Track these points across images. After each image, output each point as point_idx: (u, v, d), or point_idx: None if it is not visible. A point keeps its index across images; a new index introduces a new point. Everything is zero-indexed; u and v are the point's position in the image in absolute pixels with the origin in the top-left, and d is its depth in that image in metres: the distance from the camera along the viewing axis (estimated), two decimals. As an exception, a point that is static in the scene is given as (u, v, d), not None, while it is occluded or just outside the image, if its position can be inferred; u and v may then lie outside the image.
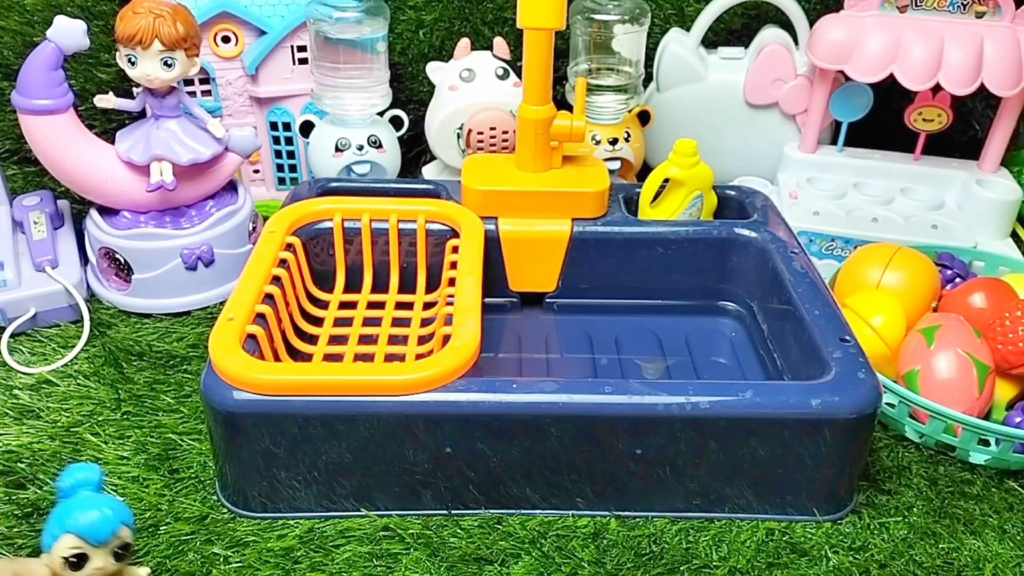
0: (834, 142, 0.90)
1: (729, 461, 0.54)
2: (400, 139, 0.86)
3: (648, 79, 0.94)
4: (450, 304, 0.61)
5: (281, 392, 0.51)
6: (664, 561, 0.53)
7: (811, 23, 0.86)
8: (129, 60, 0.70)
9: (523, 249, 0.70)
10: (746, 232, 0.70)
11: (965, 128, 0.96)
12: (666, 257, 0.71)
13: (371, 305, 0.70)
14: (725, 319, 0.73)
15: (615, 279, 0.72)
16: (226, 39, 0.84)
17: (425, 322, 0.68)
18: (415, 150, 0.96)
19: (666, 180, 0.73)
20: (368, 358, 0.63)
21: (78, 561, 0.43)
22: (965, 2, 0.80)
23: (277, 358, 0.59)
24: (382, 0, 0.82)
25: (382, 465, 0.53)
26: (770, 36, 0.89)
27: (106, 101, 0.73)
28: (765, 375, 0.66)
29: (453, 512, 0.55)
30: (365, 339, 0.65)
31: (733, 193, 0.77)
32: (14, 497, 0.56)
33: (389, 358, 0.63)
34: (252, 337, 0.56)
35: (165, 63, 0.69)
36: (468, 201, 0.71)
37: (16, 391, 0.65)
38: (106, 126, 0.87)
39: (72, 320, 0.74)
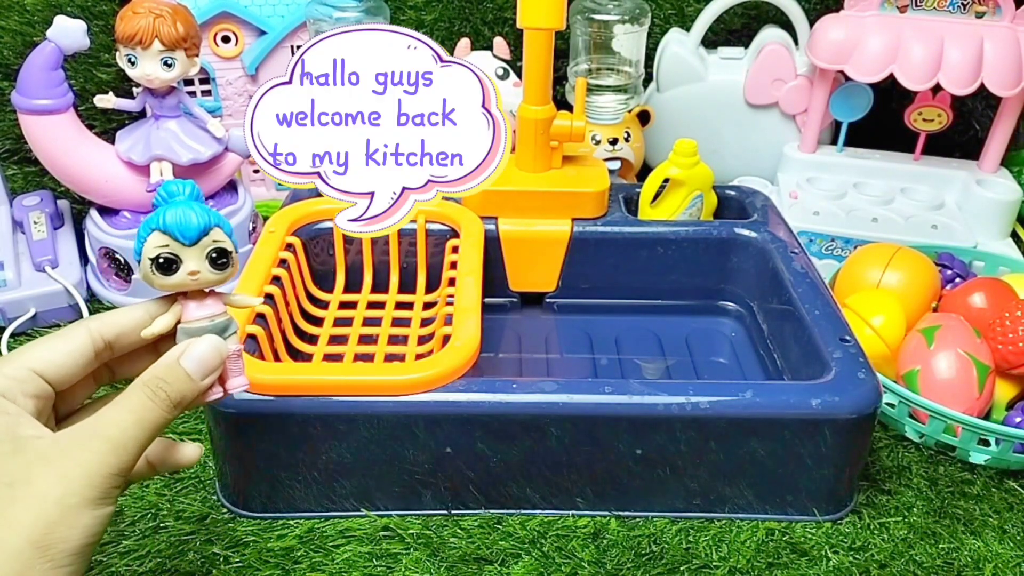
0: (834, 142, 0.90)
1: (729, 461, 0.54)
2: (400, 139, 0.86)
3: (648, 79, 0.94)
4: (450, 304, 0.61)
5: (281, 392, 0.51)
6: (664, 561, 0.53)
7: (811, 23, 0.86)
8: (129, 60, 0.70)
9: (523, 249, 0.70)
10: (746, 232, 0.70)
11: (965, 128, 0.96)
12: (666, 257, 0.71)
13: (371, 305, 0.70)
14: (725, 319, 0.73)
15: (615, 279, 0.72)
16: (226, 39, 0.84)
17: (425, 322, 0.68)
18: (415, 150, 0.96)
19: (666, 180, 0.73)
20: (368, 358, 0.63)
21: (166, 263, 0.37)
22: (965, 2, 0.80)
23: (277, 358, 0.59)
24: (382, 0, 0.82)
25: (382, 465, 0.53)
26: (770, 36, 0.89)
27: (106, 101, 0.73)
28: (765, 375, 0.66)
29: (453, 512, 0.55)
30: (365, 339, 0.65)
31: (733, 193, 0.77)
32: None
33: (389, 358, 0.63)
34: (252, 337, 0.56)
35: (165, 63, 0.69)
36: (468, 201, 0.71)
37: (16, 391, 0.65)
38: (106, 126, 0.87)
39: (72, 320, 0.74)
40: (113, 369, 0.41)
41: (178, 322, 0.39)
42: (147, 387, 0.36)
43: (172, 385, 0.37)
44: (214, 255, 0.38)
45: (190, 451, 0.41)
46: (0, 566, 0.32)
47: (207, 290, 0.39)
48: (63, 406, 0.39)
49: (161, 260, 0.37)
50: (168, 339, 0.39)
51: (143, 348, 0.40)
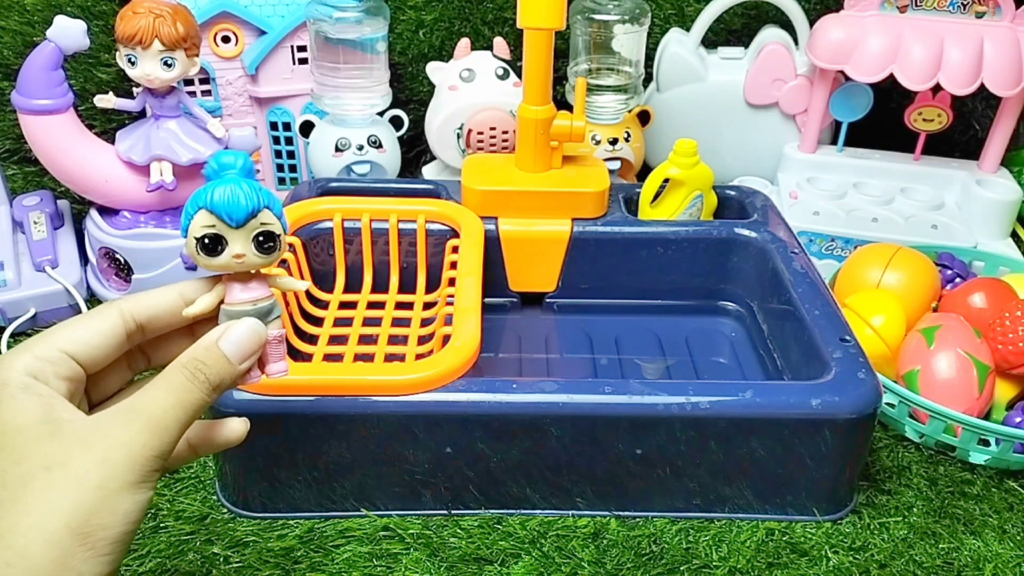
0: (834, 142, 0.90)
1: (729, 461, 0.54)
2: (400, 139, 0.86)
3: (648, 79, 0.94)
4: (450, 304, 0.61)
5: (281, 392, 0.51)
6: (664, 561, 0.53)
7: (811, 23, 0.86)
8: (129, 60, 0.70)
9: (523, 249, 0.70)
10: (746, 232, 0.70)
11: (965, 128, 0.96)
12: (666, 257, 0.71)
13: (371, 305, 0.70)
14: (725, 319, 0.73)
15: (615, 279, 0.72)
16: (226, 39, 0.84)
17: (425, 322, 0.68)
18: (415, 150, 0.96)
19: (666, 180, 0.73)
20: (368, 358, 0.63)
21: (211, 243, 0.36)
22: (965, 2, 0.80)
23: (277, 358, 0.59)
24: (382, 0, 0.82)
25: (382, 465, 0.53)
26: (770, 36, 0.89)
27: (106, 101, 0.73)
28: (765, 375, 0.66)
29: (453, 512, 0.55)
30: (365, 339, 0.65)
31: (733, 193, 0.77)
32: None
33: (389, 358, 0.63)
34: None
35: (165, 63, 0.69)
36: (468, 201, 0.71)
37: (16, 391, 0.65)
38: (106, 126, 0.87)
39: (72, 320, 0.74)
40: (148, 355, 0.40)
41: (221, 302, 0.38)
42: (186, 368, 0.35)
43: (211, 367, 0.36)
44: (261, 238, 0.36)
45: (235, 426, 0.40)
46: (39, 553, 0.31)
47: (252, 271, 0.38)
48: (95, 392, 0.38)
49: (206, 241, 0.36)
50: (207, 322, 0.38)
51: (178, 332, 0.39)
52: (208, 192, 0.35)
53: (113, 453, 0.33)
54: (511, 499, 0.55)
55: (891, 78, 0.81)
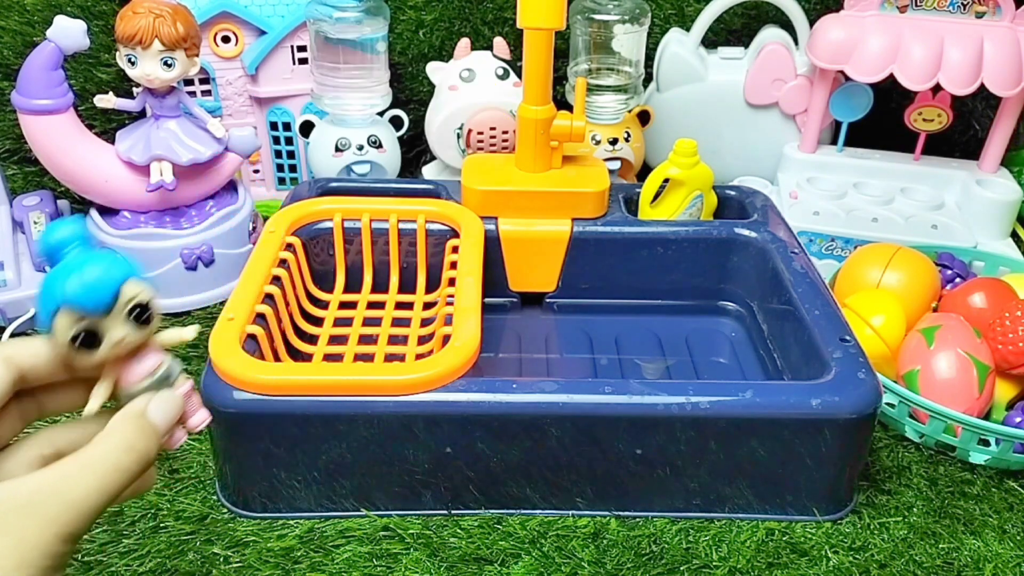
0: (834, 142, 0.90)
1: (729, 461, 0.54)
2: (400, 139, 0.86)
3: (648, 79, 0.94)
4: (450, 304, 0.61)
5: (281, 392, 0.51)
6: (664, 561, 0.53)
7: (811, 23, 0.86)
8: (129, 60, 0.70)
9: (523, 249, 0.70)
10: (746, 232, 0.70)
11: (965, 128, 0.96)
12: (666, 257, 0.71)
13: (371, 305, 0.70)
14: (725, 319, 0.73)
15: (615, 279, 0.72)
16: (226, 39, 0.84)
17: (425, 322, 0.68)
18: (415, 150, 0.96)
19: (666, 180, 0.73)
20: (368, 358, 0.63)
21: (88, 339, 0.33)
22: (965, 2, 0.80)
23: (277, 358, 0.59)
24: (382, 0, 0.82)
25: (382, 465, 0.53)
26: (770, 36, 0.89)
27: (106, 101, 0.73)
28: (765, 375, 0.66)
29: (453, 512, 0.55)
30: (365, 339, 0.65)
31: (733, 193, 0.77)
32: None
33: (389, 358, 0.63)
34: (252, 337, 0.56)
35: (165, 63, 0.69)
36: (468, 201, 0.71)
37: (16, 391, 0.65)
38: (106, 126, 0.87)
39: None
40: (40, 403, 0.37)
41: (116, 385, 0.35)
42: (119, 444, 0.33)
43: (143, 441, 0.34)
44: (136, 312, 0.34)
45: (148, 479, 0.38)
46: None
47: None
48: None
49: (81, 338, 0.32)
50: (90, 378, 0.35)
51: (65, 382, 0.37)
52: (60, 287, 0.32)
53: (28, 538, 0.31)
54: (511, 499, 0.55)
55: (891, 78, 0.81)
